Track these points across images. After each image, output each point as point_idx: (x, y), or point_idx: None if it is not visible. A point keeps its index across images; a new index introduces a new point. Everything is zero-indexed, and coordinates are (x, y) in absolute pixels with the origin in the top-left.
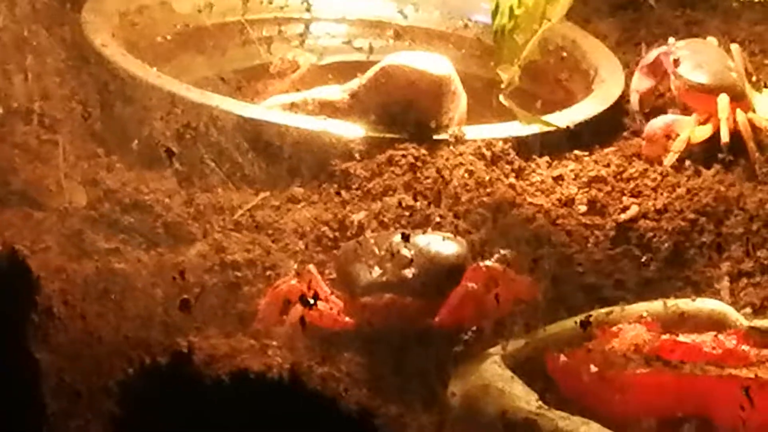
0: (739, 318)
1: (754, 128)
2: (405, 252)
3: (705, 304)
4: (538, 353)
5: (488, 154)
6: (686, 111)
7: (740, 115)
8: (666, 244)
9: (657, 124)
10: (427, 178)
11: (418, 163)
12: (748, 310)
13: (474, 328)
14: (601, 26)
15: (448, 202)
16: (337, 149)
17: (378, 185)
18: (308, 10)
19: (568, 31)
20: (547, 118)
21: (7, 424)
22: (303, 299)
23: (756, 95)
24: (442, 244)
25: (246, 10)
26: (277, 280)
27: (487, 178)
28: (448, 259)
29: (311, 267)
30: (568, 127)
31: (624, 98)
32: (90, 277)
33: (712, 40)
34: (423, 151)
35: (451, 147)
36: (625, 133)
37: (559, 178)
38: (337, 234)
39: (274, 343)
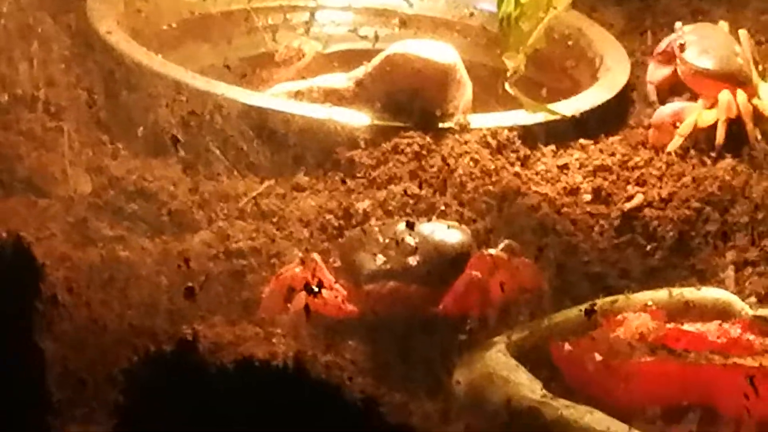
0: (744, 307)
1: (759, 115)
2: (409, 240)
3: (710, 293)
4: (543, 342)
5: (493, 142)
6: (695, 97)
7: (741, 96)
8: (671, 233)
9: (665, 111)
10: (432, 166)
11: (423, 152)
12: (753, 299)
13: (478, 316)
14: (607, 15)
15: (453, 191)
16: (342, 137)
17: (383, 173)
18: None
19: (574, 20)
20: (552, 106)
21: (12, 413)
22: (307, 287)
23: (762, 84)
24: (447, 233)
25: None
26: (281, 269)
27: (492, 166)
28: (453, 247)
29: (315, 255)
30: (573, 115)
31: (630, 87)
32: (95, 265)
33: (723, 24)
34: (428, 139)
35: (457, 135)
36: (630, 122)
37: (564, 167)
38: (341, 222)
39: (279, 331)
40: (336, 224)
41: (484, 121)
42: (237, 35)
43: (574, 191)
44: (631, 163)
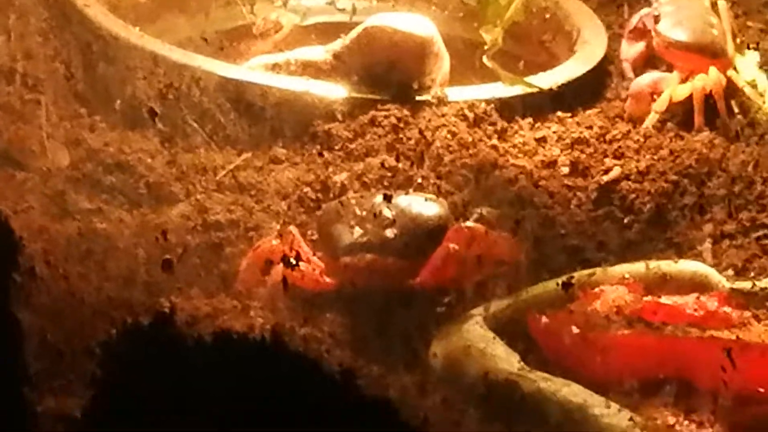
0: (721, 280)
1: (734, 87)
2: (387, 213)
3: (687, 266)
4: (520, 314)
5: (471, 115)
6: (671, 69)
7: (713, 73)
8: (648, 206)
9: (643, 81)
10: (409, 139)
11: (401, 125)
12: (730, 271)
13: (456, 289)
14: None
15: (430, 164)
16: (320, 110)
17: (360, 146)
18: None
19: None
20: (530, 79)
21: None
22: (285, 260)
23: (739, 57)
24: (424, 205)
25: None
26: (258, 241)
27: (470, 139)
28: (430, 219)
29: (293, 228)
30: (551, 88)
31: (607, 60)
32: (72, 238)
33: None
34: (405, 112)
35: (434, 108)
36: (608, 95)
37: (541, 140)
38: (319, 195)
39: (256, 303)
40: (313, 197)
41: (462, 93)
42: (214, 8)
43: (551, 164)
44: (608, 136)
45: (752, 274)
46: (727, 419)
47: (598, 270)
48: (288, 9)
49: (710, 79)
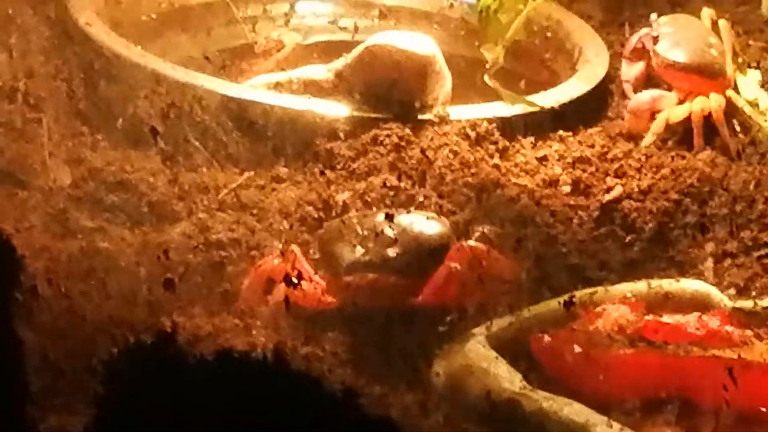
0: (722, 299)
1: (733, 107)
2: (389, 232)
3: (689, 285)
4: (523, 333)
5: (473, 134)
6: (670, 88)
7: (713, 98)
8: (650, 225)
9: (643, 98)
10: (411, 158)
11: (403, 143)
12: (732, 290)
13: (457, 307)
14: (586, 6)
15: (432, 182)
16: (322, 129)
17: (362, 165)
18: None
19: (553, 11)
20: (531, 98)
21: None
22: (287, 279)
23: (740, 76)
24: (426, 224)
25: None
26: (260, 260)
27: (471, 158)
28: (432, 238)
29: (295, 247)
30: (552, 107)
31: (608, 79)
32: (74, 256)
33: (706, 12)
34: (407, 131)
35: (436, 127)
36: (609, 114)
37: (543, 159)
38: (321, 214)
39: (258, 322)
40: (315, 216)
41: (464, 112)
42: (216, 26)
43: (553, 183)
44: (610, 155)
45: (754, 293)
46: None
47: (600, 289)
48: (290, 28)
49: (709, 102)
